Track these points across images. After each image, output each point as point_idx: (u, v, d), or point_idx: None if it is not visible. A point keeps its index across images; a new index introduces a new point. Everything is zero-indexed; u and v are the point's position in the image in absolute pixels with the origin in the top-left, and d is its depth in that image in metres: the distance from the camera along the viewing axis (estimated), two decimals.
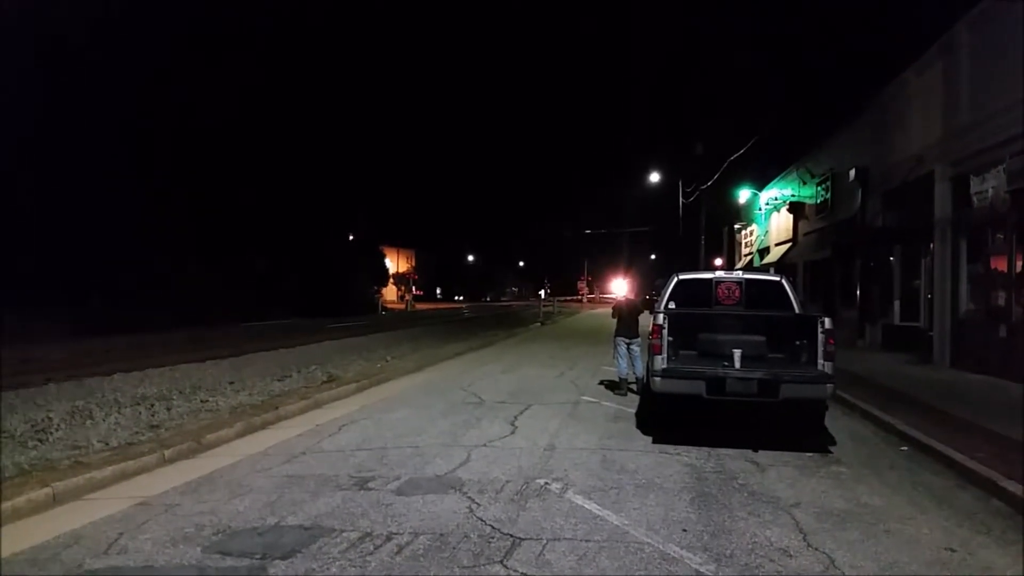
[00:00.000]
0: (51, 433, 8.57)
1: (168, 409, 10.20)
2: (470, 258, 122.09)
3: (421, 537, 5.36)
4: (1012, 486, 6.38)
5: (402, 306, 67.29)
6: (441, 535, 5.40)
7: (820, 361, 8.52)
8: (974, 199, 14.27)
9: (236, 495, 6.46)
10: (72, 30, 32.28)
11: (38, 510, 6.02)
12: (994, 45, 13.96)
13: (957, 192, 15.26)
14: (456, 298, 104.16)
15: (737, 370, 8.54)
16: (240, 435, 9.00)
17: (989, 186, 13.68)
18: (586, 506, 6.13)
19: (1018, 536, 5.59)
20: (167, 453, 7.74)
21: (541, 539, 5.33)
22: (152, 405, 10.50)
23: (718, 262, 46.11)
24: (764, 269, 32.63)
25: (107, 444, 8.03)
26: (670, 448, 8.32)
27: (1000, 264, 13.88)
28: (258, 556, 5.01)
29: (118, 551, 5.15)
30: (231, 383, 12.81)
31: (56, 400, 10.91)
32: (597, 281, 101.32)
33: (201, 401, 10.90)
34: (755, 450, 8.21)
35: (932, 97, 16.66)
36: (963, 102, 15.05)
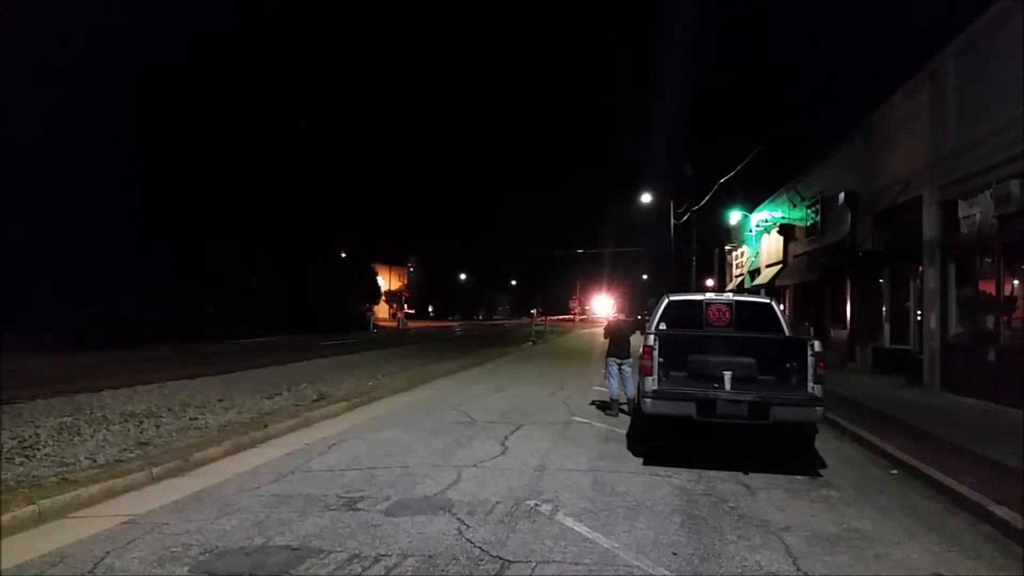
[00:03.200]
0: (38, 449, 8.51)
1: (157, 426, 10.15)
2: (462, 276, 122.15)
3: (409, 559, 5.33)
4: (1002, 511, 6.39)
5: (394, 324, 67.13)
6: (430, 557, 5.37)
7: (810, 384, 8.55)
8: (962, 223, 14.37)
9: (224, 514, 6.42)
10: (65, 39, 32.24)
11: (23, 528, 5.97)
12: (980, 71, 14.14)
13: (945, 216, 15.38)
14: (444, 316, 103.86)
15: (727, 392, 8.55)
16: (229, 453, 8.95)
17: (977, 211, 13.79)
18: (576, 528, 6.11)
19: (1007, 561, 5.61)
20: (155, 471, 7.68)
21: (530, 562, 5.31)
22: (141, 422, 10.45)
23: (709, 283, 46.24)
24: (755, 291, 32.75)
25: (95, 461, 7.97)
26: (660, 470, 8.32)
27: (988, 288, 13.98)
28: None
29: (104, 570, 5.11)
30: (220, 400, 12.76)
31: (44, 416, 10.84)
32: (589, 301, 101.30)
33: (190, 419, 10.85)
34: (745, 472, 8.21)
35: (920, 121, 16.83)
36: (950, 127, 15.21)
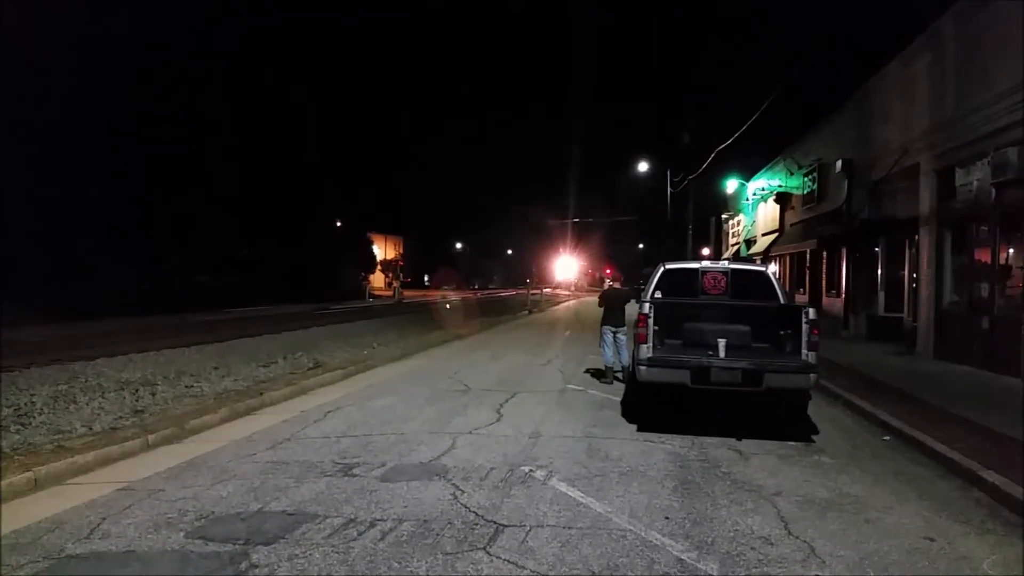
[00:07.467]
0: (34, 417, 8.53)
1: (152, 394, 10.17)
2: (458, 246, 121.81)
3: (405, 523, 5.37)
4: (991, 476, 6.45)
5: (389, 293, 67.05)
6: (425, 521, 5.41)
7: (804, 351, 8.55)
8: (959, 191, 14.34)
9: (219, 481, 6.45)
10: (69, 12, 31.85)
11: (20, 495, 5.99)
12: (980, 37, 13.98)
13: (942, 184, 15.33)
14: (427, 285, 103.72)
15: (722, 359, 8.57)
16: (225, 421, 8.98)
17: (974, 178, 13.75)
18: (570, 493, 6.15)
19: (997, 525, 5.66)
20: (151, 438, 7.71)
21: (524, 526, 5.35)
22: (136, 390, 10.46)
23: (705, 252, 46.27)
24: (751, 259, 32.76)
25: (90, 429, 8.00)
26: (654, 436, 8.36)
27: (984, 256, 13.97)
28: (241, 542, 5.00)
29: (100, 536, 5.13)
30: (216, 369, 12.77)
31: (39, 384, 10.85)
32: (549, 264, 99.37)
33: (186, 386, 10.87)
34: (738, 439, 8.26)
35: (918, 88, 16.70)
36: (949, 94, 15.09)
